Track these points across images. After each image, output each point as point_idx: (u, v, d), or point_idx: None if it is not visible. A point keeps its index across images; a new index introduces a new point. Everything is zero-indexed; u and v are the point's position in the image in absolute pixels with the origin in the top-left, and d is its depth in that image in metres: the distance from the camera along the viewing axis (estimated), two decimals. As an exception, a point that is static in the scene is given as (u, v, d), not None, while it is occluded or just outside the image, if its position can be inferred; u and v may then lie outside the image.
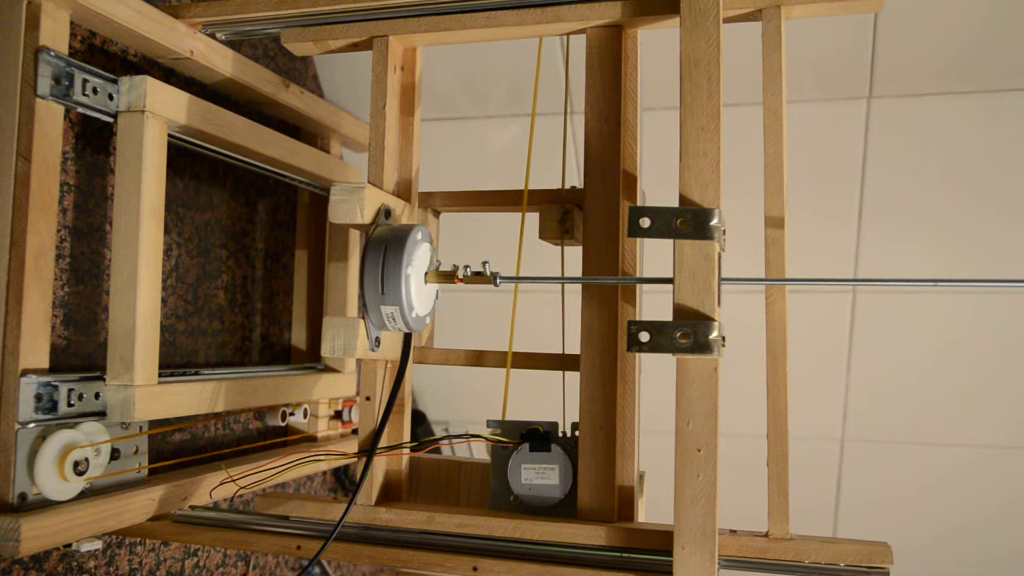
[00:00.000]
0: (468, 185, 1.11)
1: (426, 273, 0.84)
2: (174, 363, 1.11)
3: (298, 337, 1.35)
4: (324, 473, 1.56)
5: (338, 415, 1.34)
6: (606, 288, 0.85)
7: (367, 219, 0.81)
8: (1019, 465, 1.60)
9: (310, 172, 1.22)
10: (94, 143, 0.97)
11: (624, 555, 0.80)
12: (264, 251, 1.30)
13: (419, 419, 1.83)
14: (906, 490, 1.68)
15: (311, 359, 1.35)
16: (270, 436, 1.30)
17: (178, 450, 1.11)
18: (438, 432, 1.84)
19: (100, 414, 0.88)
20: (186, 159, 1.13)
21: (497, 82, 1.48)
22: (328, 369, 1.31)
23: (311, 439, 1.30)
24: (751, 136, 1.09)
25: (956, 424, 1.59)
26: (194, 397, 0.96)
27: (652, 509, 0.98)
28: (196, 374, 1.05)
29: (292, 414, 1.26)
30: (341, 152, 1.39)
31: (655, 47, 0.99)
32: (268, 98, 1.17)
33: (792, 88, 1.33)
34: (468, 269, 0.83)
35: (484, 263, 0.83)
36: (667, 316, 0.76)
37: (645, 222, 0.76)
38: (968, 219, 1.42)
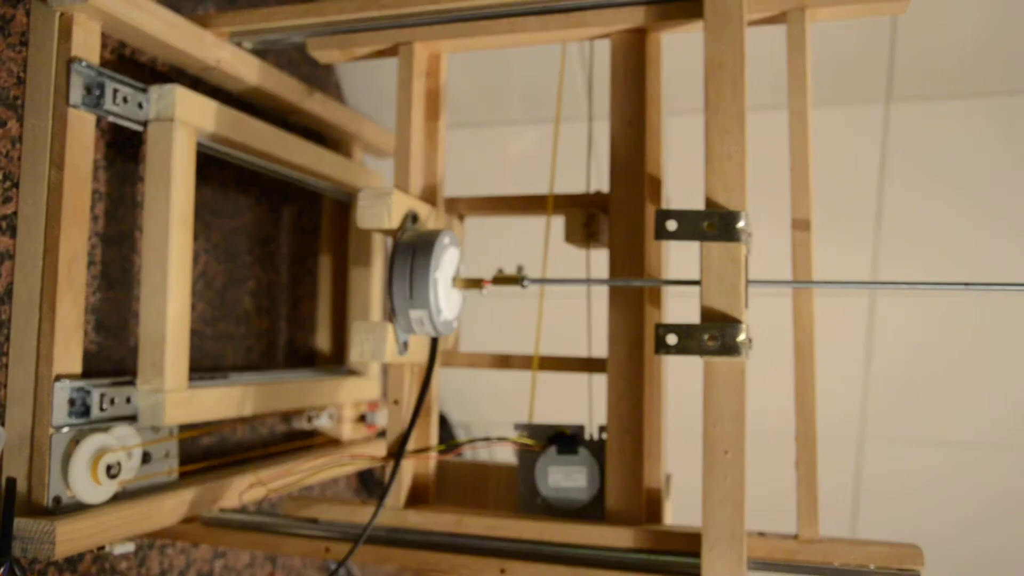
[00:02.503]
0: (486, 192, 1.11)
1: (453, 277, 0.84)
2: (202, 367, 1.12)
3: (322, 341, 1.36)
4: (348, 475, 1.57)
5: (363, 418, 1.35)
6: (632, 291, 0.86)
7: (395, 224, 0.82)
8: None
9: (335, 178, 1.23)
10: (124, 151, 0.98)
11: (652, 557, 0.80)
12: (289, 257, 1.31)
13: (441, 422, 1.83)
14: (925, 488, 1.67)
15: (335, 362, 1.36)
16: (296, 439, 1.31)
17: (207, 453, 1.12)
18: (460, 434, 1.85)
19: (131, 418, 0.90)
20: (213, 167, 1.14)
21: (515, 88, 1.48)
22: (352, 372, 1.32)
23: (336, 442, 1.31)
24: (767, 141, 1.09)
25: (973, 423, 1.58)
26: (222, 401, 0.98)
27: (679, 511, 0.98)
28: (224, 378, 1.06)
29: (318, 417, 1.27)
30: (363, 158, 1.40)
31: (679, 52, 1.00)
32: (293, 106, 1.18)
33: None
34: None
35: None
36: (687, 319, 0.76)
37: (672, 225, 0.77)
38: (989, 224, 1.41)
